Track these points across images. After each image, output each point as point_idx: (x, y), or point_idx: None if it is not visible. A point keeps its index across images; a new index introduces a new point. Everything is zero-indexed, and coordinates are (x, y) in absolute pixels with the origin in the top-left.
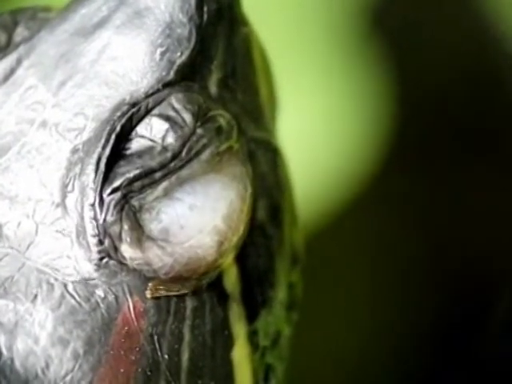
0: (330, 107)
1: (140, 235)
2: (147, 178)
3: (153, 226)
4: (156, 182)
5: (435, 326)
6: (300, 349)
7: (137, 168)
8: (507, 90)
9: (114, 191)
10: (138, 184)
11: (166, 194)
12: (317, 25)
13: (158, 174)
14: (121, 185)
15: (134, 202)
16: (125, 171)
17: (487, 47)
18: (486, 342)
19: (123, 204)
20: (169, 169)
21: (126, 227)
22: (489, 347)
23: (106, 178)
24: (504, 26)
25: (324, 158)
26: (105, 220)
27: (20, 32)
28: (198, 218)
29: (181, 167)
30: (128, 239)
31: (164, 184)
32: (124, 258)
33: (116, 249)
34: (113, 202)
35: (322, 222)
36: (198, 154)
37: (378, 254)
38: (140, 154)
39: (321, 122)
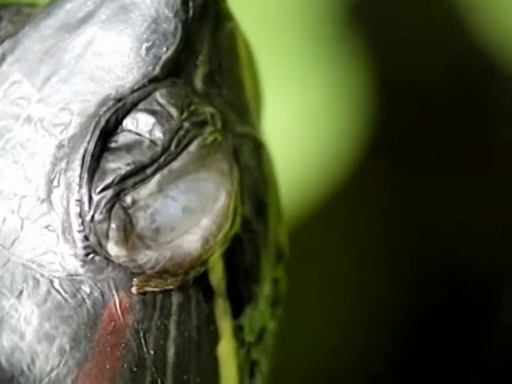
0: (312, 102)
1: (128, 234)
2: (139, 175)
3: (145, 226)
4: (148, 178)
5: (430, 324)
6: (285, 345)
7: (128, 164)
8: (495, 85)
9: (105, 189)
10: (130, 181)
11: (160, 189)
12: (298, 21)
13: (149, 170)
14: (112, 182)
15: (127, 198)
16: (115, 167)
17: (475, 42)
18: (486, 341)
19: (114, 202)
20: (159, 163)
21: (113, 226)
22: (489, 347)
23: (94, 174)
24: (491, 22)
25: (305, 153)
26: (93, 217)
27: (4, 27)
28: (188, 219)
29: (171, 161)
30: (114, 238)
31: (157, 177)
32: (109, 254)
33: (101, 245)
34: (104, 200)
35: (305, 218)
36: (186, 147)
37: (364, 250)
38: (128, 147)
39: (302, 118)
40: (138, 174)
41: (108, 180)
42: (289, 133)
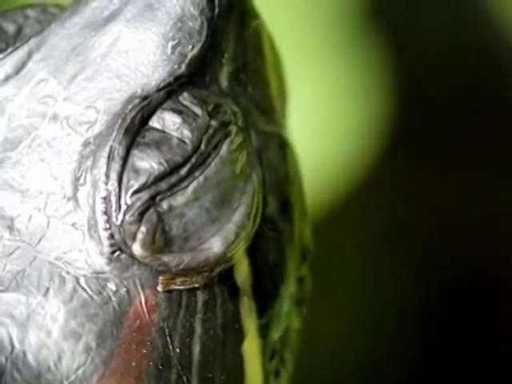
0: (332, 103)
1: (156, 239)
2: (174, 176)
3: (177, 233)
4: (183, 180)
5: (434, 325)
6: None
7: (160, 163)
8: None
9: (139, 190)
10: (165, 183)
11: (196, 198)
12: (322, 21)
13: (183, 171)
14: (146, 182)
15: (163, 203)
16: (147, 166)
17: (492, 45)
18: (487, 341)
19: (149, 205)
20: (192, 163)
21: (143, 229)
22: (489, 347)
23: (122, 172)
24: (506, 24)
25: (320, 152)
26: (124, 217)
27: (30, 25)
28: (216, 230)
29: (203, 162)
30: (141, 240)
31: (194, 184)
32: (133, 254)
33: (126, 245)
34: (138, 203)
35: (321, 218)
36: (216, 147)
37: (377, 252)
38: (157, 144)
39: (317, 117)
40: (172, 175)
41: (142, 180)
42: (304, 132)
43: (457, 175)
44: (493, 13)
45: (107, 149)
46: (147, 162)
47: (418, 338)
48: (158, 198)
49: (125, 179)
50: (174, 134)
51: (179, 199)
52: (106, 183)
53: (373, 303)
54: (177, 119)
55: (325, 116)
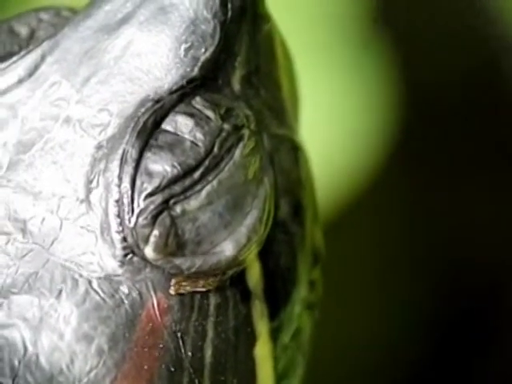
0: (337, 107)
1: (168, 242)
2: (187, 179)
3: (189, 237)
4: (197, 184)
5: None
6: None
7: (173, 166)
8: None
9: (153, 193)
10: (178, 186)
11: (210, 202)
12: (329, 26)
13: (196, 174)
14: (159, 185)
15: (177, 207)
16: (161, 169)
17: (499, 52)
18: (488, 341)
19: (162, 209)
20: (205, 167)
21: (156, 232)
22: (490, 347)
23: (135, 175)
24: (508, 26)
25: (331, 156)
26: (137, 220)
27: (44, 28)
28: (228, 234)
29: (217, 165)
30: (154, 244)
31: (207, 188)
32: (146, 257)
33: (139, 248)
34: (151, 206)
35: (330, 218)
36: (229, 151)
37: (385, 251)
38: (170, 147)
39: (326, 121)
40: (185, 178)
41: (155, 183)
42: (308, 134)
43: (459, 179)
44: (501, 19)
45: (120, 151)
46: (160, 165)
47: (417, 339)
48: (172, 201)
49: (138, 182)
50: (186, 136)
51: (193, 203)
52: (119, 186)
53: (379, 303)
54: (189, 122)
55: (330, 120)
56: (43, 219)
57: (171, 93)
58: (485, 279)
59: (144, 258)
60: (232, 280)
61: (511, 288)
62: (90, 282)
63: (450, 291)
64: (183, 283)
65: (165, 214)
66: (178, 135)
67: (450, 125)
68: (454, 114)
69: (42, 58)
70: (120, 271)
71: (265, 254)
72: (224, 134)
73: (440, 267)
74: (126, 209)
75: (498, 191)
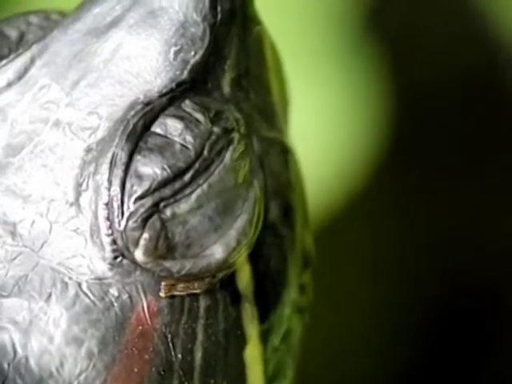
0: (332, 109)
1: (158, 245)
2: (177, 182)
3: (179, 240)
4: (187, 187)
5: (432, 327)
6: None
7: (163, 168)
8: (509, 91)
9: (143, 196)
10: (168, 189)
11: (200, 206)
12: (323, 28)
13: (186, 177)
14: (149, 188)
15: (167, 210)
16: (151, 172)
17: (499, 46)
18: (486, 342)
19: (152, 212)
20: (195, 169)
21: (146, 235)
22: (487, 348)
23: (125, 177)
24: (504, 27)
25: (324, 156)
26: (126, 223)
27: (33, 31)
28: (218, 237)
29: (207, 168)
30: (144, 247)
31: (197, 192)
32: (136, 260)
33: (129, 251)
34: (141, 209)
35: (322, 221)
36: (219, 154)
37: (378, 254)
38: (160, 150)
39: (320, 121)
40: (175, 181)
41: (145, 186)
42: (302, 138)
43: (459, 179)
44: (501, 19)
45: (110, 154)
46: (150, 168)
47: (417, 339)
48: (162, 204)
49: (128, 185)
50: (176, 139)
51: (183, 207)
52: (109, 189)
53: (371, 306)
54: (179, 125)
55: (324, 122)
56: (33, 222)
57: (161, 96)
58: (482, 280)
59: (134, 261)
60: (222, 283)
61: (508, 289)
62: (79, 285)
63: (444, 293)
64: (173, 286)
65: (155, 217)
66: (168, 138)
67: (449, 125)
68: (453, 114)
69: (32, 61)
70: (110, 274)
71: (255, 257)
72: (214, 137)
73: (433, 270)
74: (116, 212)
75: (497, 191)
